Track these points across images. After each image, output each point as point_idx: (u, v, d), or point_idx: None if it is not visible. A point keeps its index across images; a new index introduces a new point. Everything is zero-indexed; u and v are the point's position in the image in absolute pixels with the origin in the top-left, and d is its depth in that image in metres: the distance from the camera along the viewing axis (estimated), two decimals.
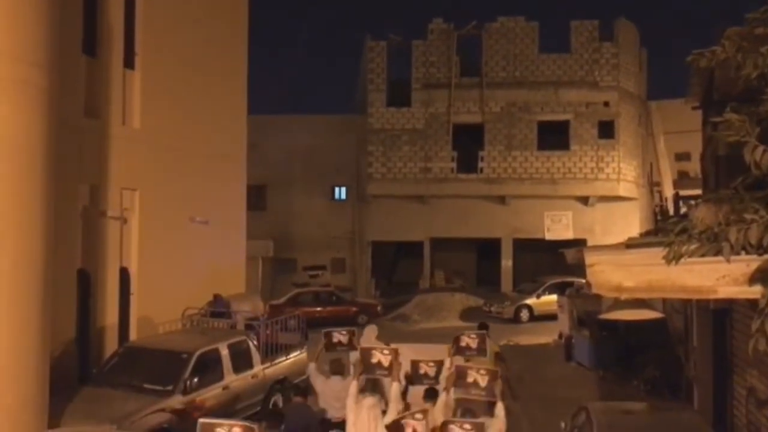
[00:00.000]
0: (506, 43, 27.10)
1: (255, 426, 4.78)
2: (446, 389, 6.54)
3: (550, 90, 26.89)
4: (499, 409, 5.94)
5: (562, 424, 8.23)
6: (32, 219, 7.54)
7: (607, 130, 26.80)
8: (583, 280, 15.70)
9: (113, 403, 8.61)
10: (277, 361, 11.54)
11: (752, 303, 4.45)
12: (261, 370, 10.89)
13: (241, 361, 10.54)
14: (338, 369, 7.90)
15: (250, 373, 10.64)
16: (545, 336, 19.32)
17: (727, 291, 4.11)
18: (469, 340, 7.59)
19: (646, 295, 4.65)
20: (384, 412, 6.28)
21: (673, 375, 12.60)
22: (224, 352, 10.21)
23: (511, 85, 27.03)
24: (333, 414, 7.55)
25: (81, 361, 11.16)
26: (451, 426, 4.82)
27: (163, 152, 13.22)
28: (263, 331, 11.69)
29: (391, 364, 6.64)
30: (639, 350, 13.57)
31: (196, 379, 9.37)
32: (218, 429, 4.69)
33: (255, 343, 11.10)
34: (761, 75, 4.66)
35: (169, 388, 9.11)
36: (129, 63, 12.69)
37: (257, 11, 18.41)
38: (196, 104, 14.45)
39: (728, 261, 4.02)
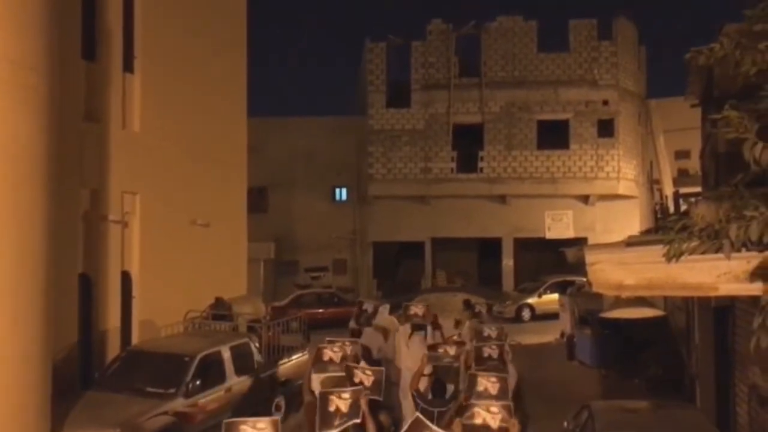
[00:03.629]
0: (505, 42, 27.11)
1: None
2: (470, 340, 8.96)
3: (550, 89, 26.89)
4: (511, 368, 7.38)
5: (565, 424, 8.22)
6: (33, 223, 7.55)
7: (606, 128, 26.81)
8: (585, 279, 15.70)
9: (116, 407, 8.59)
10: (279, 363, 11.55)
11: (754, 300, 4.45)
12: (263, 372, 10.88)
13: (244, 363, 10.53)
14: (367, 323, 10.21)
15: (252, 374, 10.63)
16: (547, 335, 19.30)
17: (728, 288, 4.11)
18: (480, 308, 11.04)
19: (647, 293, 4.66)
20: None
21: (676, 373, 12.58)
22: (226, 354, 10.21)
23: (510, 85, 27.03)
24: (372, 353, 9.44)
25: (83, 365, 11.16)
26: (480, 379, 5.95)
27: (163, 155, 13.23)
28: (265, 333, 11.69)
29: (424, 314, 9.50)
30: (641, 348, 13.54)
31: (198, 382, 9.37)
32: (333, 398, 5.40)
33: (257, 345, 11.10)
34: (760, 72, 4.66)
35: (172, 391, 9.10)
36: (128, 67, 12.69)
37: (256, 14, 18.44)
38: (196, 107, 14.45)
39: (729, 258, 4.02)
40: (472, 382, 5.90)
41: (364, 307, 10.72)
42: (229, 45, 16.55)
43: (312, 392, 6.50)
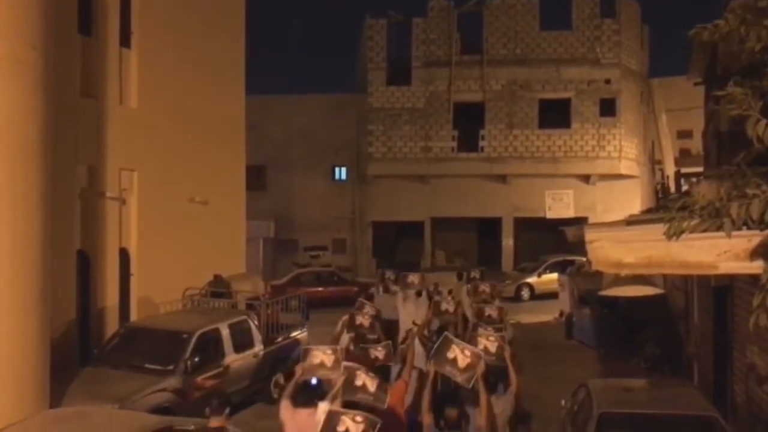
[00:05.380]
0: (507, 19, 26.84)
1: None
2: (467, 295, 11.33)
3: (552, 67, 26.67)
4: (508, 326, 9.22)
5: (563, 402, 8.26)
6: (30, 200, 7.51)
7: (608, 107, 26.64)
8: (584, 259, 15.71)
9: (114, 383, 8.63)
10: (278, 340, 11.58)
11: (753, 278, 4.42)
12: (262, 349, 10.92)
13: (242, 340, 10.56)
14: (387, 290, 12.43)
15: (251, 352, 10.66)
16: (546, 314, 19.37)
17: (729, 266, 4.07)
18: (475, 273, 12.82)
19: (646, 271, 4.63)
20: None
21: (674, 352, 12.63)
22: (225, 332, 10.23)
23: (512, 63, 26.81)
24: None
25: (82, 342, 11.19)
26: (480, 329, 7.42)
27: (161, 132, 13.14)
28: (264, 311, 11.70)
29: (419, 281, 11.46)
30: (639, 328, 13.59)
31: (196, 359, 9.39)
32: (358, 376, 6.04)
33: (256, 322, 11.12)
34: (765, 48, 4.58)
35: (170, 368, 9.13)
36: (125, 42, 12.55)
37: None
38: (193, 84, 14.33)
39: (729, 236, 3.97)
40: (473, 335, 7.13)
41: (387, 275, 12.99)
42: (227, 21, 16.37)
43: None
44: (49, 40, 7.88)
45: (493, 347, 6.44)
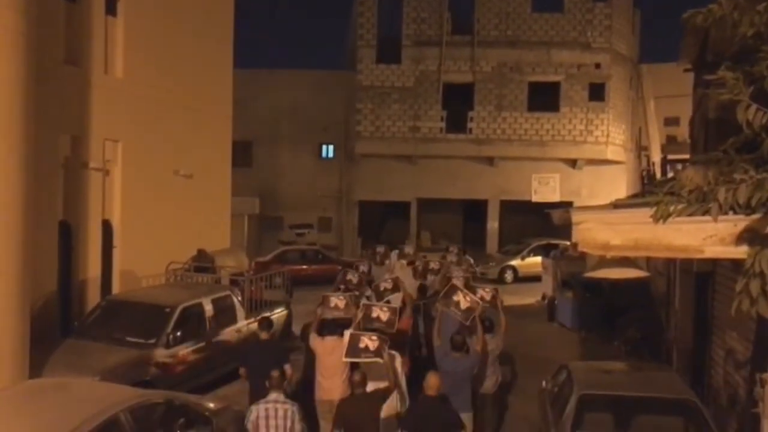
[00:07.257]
0: (499, 0, 26.64)
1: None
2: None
3: (542, 50, 26.56)
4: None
5: (544, 383, 8.33)
6: (11, 168, 7.36)
7: (597, 92, 26.61)
8: (568, 243, 15.77)
9: (95, 355, 8.57)
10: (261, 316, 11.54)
11: (736, 265, 4.45)
12: (245, 325, 10.89)
13: (225, 315, 10.53)
14: (381, 263, 13.43)
15: (233, 327, 10.64)
16: (529, 297, 19.48)
17: (714, 251, 4.09)
18: (452, 249, 14.60)
19: (633, 253, 4.65)
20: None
21: (654, 337, 12.77)
22: (208, 306, 10.19)
23: (502, 45, 26.66)
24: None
25: (63, 314, 11.11)
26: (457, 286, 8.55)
27: (146, 103, 12.96)
28: (248, 287, 11.66)
29: (414, 253, 13.77)
30: (621, 312, 13.71)
31: (179, 333, 9.34)
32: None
33: (239, 298, 11.08)
34: (757, 33, 4.57)
35: (152, 341, 9.09)
36: (111, 9, 12.33)
37: None
38: (180, 55, 14.12)
39: (716, 220, 3.99)
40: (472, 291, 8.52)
41: (377, 249, 14.14)
42: None
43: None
44: (32, 4, 7.69)
45: (488, 296, 8.53)
